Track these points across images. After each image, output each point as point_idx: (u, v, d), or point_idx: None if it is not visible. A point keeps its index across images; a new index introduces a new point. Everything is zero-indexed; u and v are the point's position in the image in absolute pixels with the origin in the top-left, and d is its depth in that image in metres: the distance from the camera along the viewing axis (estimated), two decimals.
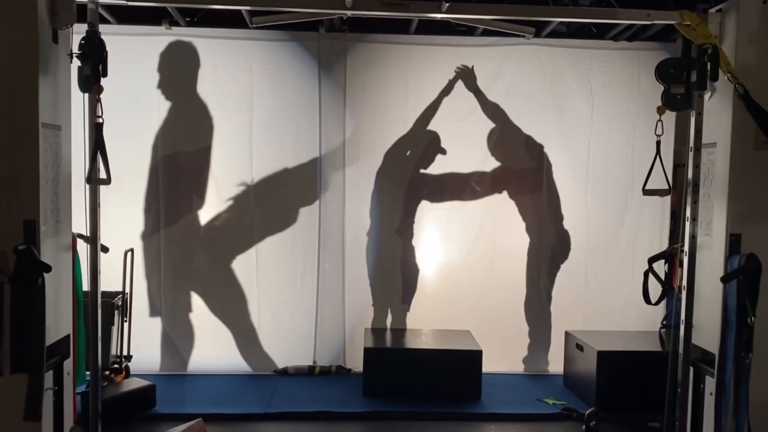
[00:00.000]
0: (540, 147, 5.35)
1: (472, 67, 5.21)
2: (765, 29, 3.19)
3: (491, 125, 5.31)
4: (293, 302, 5.32)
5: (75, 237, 3.49)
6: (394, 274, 5.38)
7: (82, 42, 3.25)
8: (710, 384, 3.34)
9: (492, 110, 5.29)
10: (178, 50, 5.10)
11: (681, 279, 3.46)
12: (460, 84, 5.28)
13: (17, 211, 3.02)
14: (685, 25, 3.29)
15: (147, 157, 5.14)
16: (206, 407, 4.43)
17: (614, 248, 5.43)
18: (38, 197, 3.04)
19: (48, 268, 3.00)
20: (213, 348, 5.27)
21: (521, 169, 5.36)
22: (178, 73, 5.13)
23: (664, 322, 3.70)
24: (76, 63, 3.31)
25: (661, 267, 3.75)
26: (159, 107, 5.11)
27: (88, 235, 3.42)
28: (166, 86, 5.09)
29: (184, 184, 5.19)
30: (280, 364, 5.29)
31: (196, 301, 5.28)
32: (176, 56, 5.10)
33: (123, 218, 5.00)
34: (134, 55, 4.98)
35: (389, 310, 5.41)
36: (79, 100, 3.39)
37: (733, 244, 3.20)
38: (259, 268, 5.28)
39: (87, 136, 3.34)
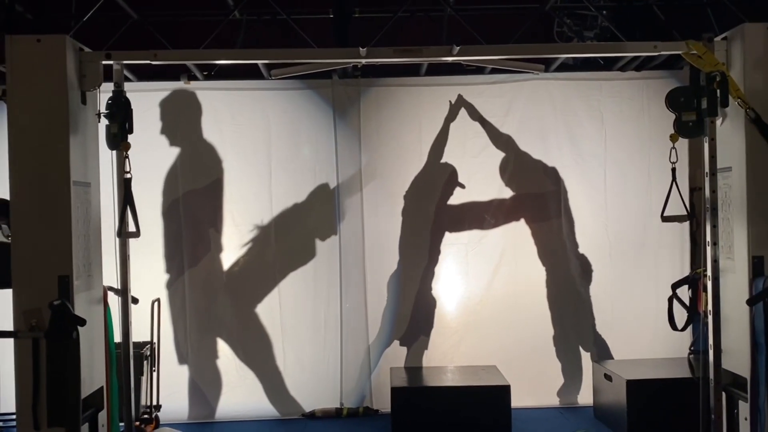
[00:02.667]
0: (555, 172, 5.40)
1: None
2: None
3: (504, 155, 5.39)
4: (317, 344, 5.35)
5: (106, 290, 3.57)
6: (417, 310, 5.39)
7: (109, 102, 3.39)
8: (744, 409, 3.31)
9: (504, 141, 5.38)
10: (179, 98, 5.24)
11: (706, 304, 3.46)
12: (470, 120, 5.38)
13: (51, 268, 3.11)
14: (692, 54, 3.37)
15: (159, 203, 5.24)
16: None
17: (637, 276, 5.42)
18: (71, 253, 3.14)
19: (82, 322, 3.07)
20: (240, 394, 5.28)
21: (536, 194, 5.40)
22: (182, 119, 5.26)
23: (692, 348, 3.67)
24: (102, 121, 3.45)
25: (684, 292, 3.76)
26: (167, 153, 5.24)
27: (118, 287, 3.50)
28: (170, 132, 5.23)
29: (201, 226, 5.28)
30: (307, 407, 5.28)
31: (222, 347, 5.32)
32: (178, 104, 5.24)
33: (147, 267, 5.07)
34: (150, 109, 5.14)
35: (414, 347, 5.41)
36: (104, 156, 3.52)
37: (756, 266, 3.21)
38: (282, 311, 5.32)
39: (116, 191, 3.46)
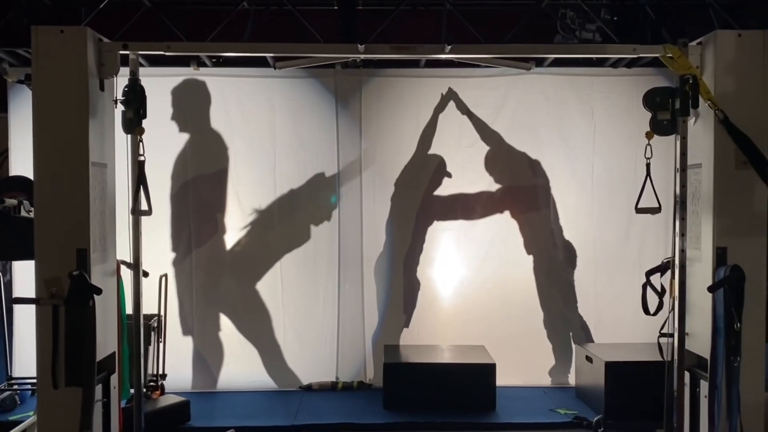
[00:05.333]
0: (542, 165, 5.63)
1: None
2: (740, 59, 3.49)
3: (490, 148, 5.62)
4: (316, 321, 5.63)
5: (119, 263, 3.84)
6: (408, 291, 5.67)
7: (125, 89, 3.64)
8: (705, 388, 3.57)
9: (489, 133, 5.61)
10: (190, 87, 5.49)
11: (674, 290, 3.71)
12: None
13: (71, 241, 3.38)
14: (668, 58, 3.59)
15: (167, 185, 5.51)
16: (237, 421, 4.75)
17: (621, 264, 5.67)
18: (89, 228, 3.41)
19: (99, 291, 3.34)
20: (241, 366, 5.58)
21: (520, 187, 5.66)
22: (191, 107, 5.51)
23: (662, 332, 3.93)
24: (119, 106, 3.70)
25: (659, 279, 4.01)
26: (177, 139, 5.49)
27: (131, 261, 3.78)
28: (180, 119, 5.49)
29: (208, 208, 5.56)
30: (305, 380, 5.58)
31: (225, 321, 5.62)
32: (189, 93, 5.48)
33: (154, 245, 5.31)
34: (161, 95, 5.37)
35: (408, 326, 5.69)
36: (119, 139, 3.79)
37: (720, 256, 3.46)
38: (283, 288, 5.60)
39: (129, 172, 3.73)
